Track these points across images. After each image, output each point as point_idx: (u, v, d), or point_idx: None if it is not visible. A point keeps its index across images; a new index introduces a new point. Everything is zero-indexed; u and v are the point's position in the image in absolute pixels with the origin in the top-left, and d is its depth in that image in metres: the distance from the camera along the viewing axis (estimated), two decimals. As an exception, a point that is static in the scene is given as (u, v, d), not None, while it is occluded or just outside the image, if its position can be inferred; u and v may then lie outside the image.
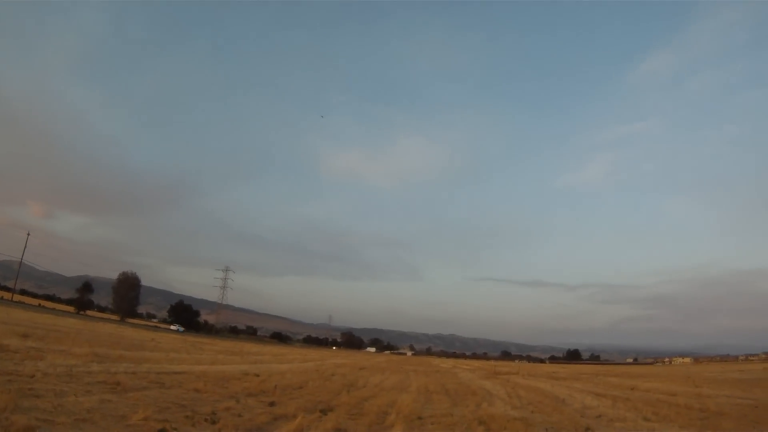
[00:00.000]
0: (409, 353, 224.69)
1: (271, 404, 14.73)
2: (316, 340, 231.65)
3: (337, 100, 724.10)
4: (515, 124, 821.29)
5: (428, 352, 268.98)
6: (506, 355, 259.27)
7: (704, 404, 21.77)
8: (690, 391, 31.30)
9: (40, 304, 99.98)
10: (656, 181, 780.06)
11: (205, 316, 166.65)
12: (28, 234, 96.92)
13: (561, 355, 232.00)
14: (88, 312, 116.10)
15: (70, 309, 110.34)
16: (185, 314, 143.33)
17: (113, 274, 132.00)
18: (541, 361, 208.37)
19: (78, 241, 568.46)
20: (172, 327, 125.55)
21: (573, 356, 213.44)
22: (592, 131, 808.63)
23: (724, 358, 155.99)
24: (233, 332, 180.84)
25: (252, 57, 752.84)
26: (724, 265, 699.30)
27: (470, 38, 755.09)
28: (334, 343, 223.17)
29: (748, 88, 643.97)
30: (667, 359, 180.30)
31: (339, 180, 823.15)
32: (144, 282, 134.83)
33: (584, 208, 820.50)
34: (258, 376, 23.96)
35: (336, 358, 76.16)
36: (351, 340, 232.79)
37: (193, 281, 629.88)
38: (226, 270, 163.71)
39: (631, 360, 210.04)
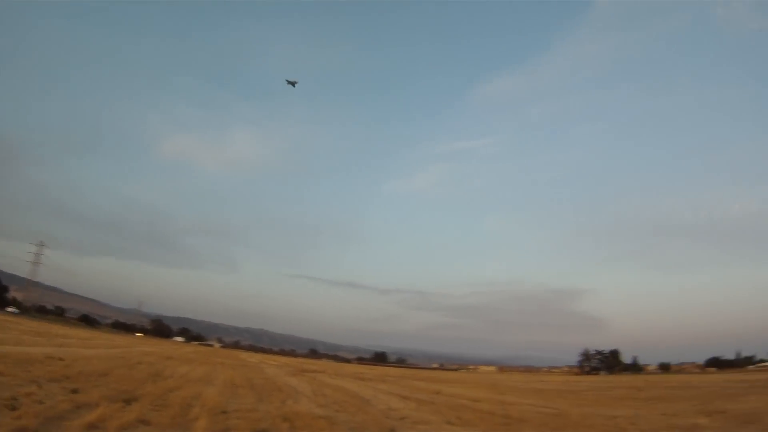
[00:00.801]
0: (218, 345, 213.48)
1: (74, 391, 13.99)
2: (125, 325, 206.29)
3: (180, 81, 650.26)
4: (352, 127, 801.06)
5: (237, 346, 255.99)
6: (314, 353, 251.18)
7: (507, 411, 21.76)
8: (494, 398, 31.29)
9: None
10: (482, 197, 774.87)
11: (14, 293, 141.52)
12: None
13: (368, 357, 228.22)
14: None
15: None
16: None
17: None
18: (348, 361, 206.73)
19: None
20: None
21: (380, 358, 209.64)
22: (429, 142, 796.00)
23: (528, 369, 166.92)
24: (41, 311, 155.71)
25: (95, 25, 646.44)
26: (536, 282, 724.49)
27: (320, 41, 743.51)
28: (143, 330, 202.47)
29: (582, 122, 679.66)
30: (472, 366, 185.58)
31: (170, 163, 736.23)
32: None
33: (407, 215, 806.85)
34: (63, 360, 23.33)
35: (143, 345, 71.54)
36: (160, 328, 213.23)
37: (3, 253, 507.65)
38: (41, 245, 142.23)
39: (436, 365, 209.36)
